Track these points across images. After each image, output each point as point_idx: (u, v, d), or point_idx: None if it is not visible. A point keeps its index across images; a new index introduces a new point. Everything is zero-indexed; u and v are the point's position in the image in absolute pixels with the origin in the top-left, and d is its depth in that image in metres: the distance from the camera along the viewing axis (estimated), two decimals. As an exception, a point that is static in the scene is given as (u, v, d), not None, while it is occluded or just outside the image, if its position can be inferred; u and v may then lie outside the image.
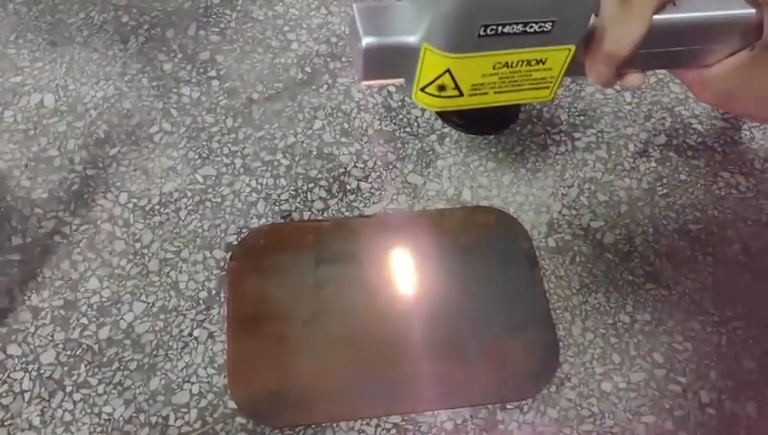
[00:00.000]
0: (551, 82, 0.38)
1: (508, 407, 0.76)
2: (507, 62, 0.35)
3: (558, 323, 0.81)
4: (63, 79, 0.95)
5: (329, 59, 1.00)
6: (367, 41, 0.34)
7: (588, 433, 0.75)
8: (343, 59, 1.00)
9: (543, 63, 0.36)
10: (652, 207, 0.90)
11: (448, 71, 0.35)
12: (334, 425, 0.74)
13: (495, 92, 0.37)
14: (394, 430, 0.74)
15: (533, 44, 0.34)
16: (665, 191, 0.92)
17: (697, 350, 0.80)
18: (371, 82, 0.37)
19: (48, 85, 0.95)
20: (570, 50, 0.35)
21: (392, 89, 0.98)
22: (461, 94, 0.36)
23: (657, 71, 1.03)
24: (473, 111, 0.39)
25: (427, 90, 0.36)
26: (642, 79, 0.39)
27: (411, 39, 0.34)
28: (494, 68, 0.35)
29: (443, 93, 0.36)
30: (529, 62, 0.35)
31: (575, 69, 0.37)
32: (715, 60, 0.38)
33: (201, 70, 0.97)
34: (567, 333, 0.81)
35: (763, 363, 0.80)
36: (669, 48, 0.38)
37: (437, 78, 0.35)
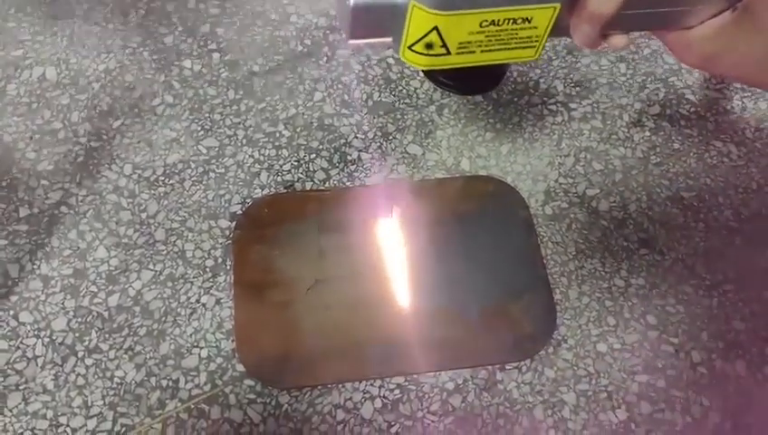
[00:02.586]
0: (536, 42, 0.38)
1: (507, 368, 0.79)
2: (494, 20, 0.36)
3: (555, 288, 0.83)
4: (65, 52, 0.96)
5: (328, 31, 1.01)
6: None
7: (584, 392, 0.78)
8: (342, 32, 1.01)
9: (530, 22, 0.36)
10: (646, 175, 0.93)
11: (436, 28, 0.35)
12: (340, 386, 0.77)
13: (482, 51, 0.38)
14: (397, 390, 0.77)
15: (520, 2, 0.35)
16: (658, 160, 0.94)
17: (689, 312, 0.83)
18: (359, 42, 0.37)
19: (50, 58, 0.95)
20: (555, 8, 0.36)
21: (391, 61, 0.99)
22: (448, 52, 0.37)
23: (651, 42, 1.05)
24: (460, 71, 0.40)
25: (414, 48, 0.37)
26: (626, 41, 0.39)
27: None
28: (480, 26, 0.36)
29: (430, 51, 0.37)
30: (515, 21, 0.36)
31: (561, 30, 0.38)
32: (698, 21, 0.39)
33: (202, 43, 0.98)
34: (564, 296, 0.83)
35: (752, 324, 0.82)
36: (653, 9, 0.38)
37: (425, 36, 0.36)
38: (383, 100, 0.96)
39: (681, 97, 1.00)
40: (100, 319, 0.79)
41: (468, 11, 0.35)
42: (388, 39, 0.38)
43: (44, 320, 0.78)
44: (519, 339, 0.81)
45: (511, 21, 0.36)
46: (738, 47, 0.37)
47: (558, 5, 0.36)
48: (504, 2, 0.35)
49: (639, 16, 0.38)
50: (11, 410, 0.73)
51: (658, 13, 0.38)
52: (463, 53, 0.37)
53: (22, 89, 0.93)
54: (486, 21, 0.36)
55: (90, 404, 0.74)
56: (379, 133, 0.93)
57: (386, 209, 0.87)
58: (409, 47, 0.37)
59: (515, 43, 0.38)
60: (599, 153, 0.94)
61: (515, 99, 0.97)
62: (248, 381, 0.76)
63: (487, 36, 0.37)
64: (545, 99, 0.98)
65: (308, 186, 0.88)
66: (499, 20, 0.36)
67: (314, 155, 0.91)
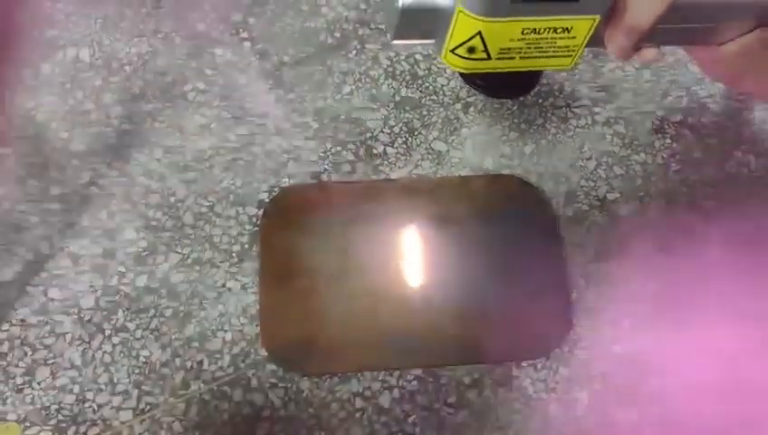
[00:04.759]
0: (573, 51, 0.40)
1: (523, 365, 0.81)
2: (535, 29, 0.37)
3: (573, 289, 0.85)
4: (98, 34, 0.97)
5: (358, 25, 1.02)
6: (404, 1, 0.35)
7: (597, 392, 0.80)
8: (372, 25, 1.02)
9: (569, 32, 0.38)
10: (666, 181, 0.94)
11: (479, 33, 0.37)
12: (359, 374, 0.78)
13: (521, 57, 0.39)
14: (415, 382, 0.79)
15: (562, 13, 0.37)
16: (679, 167, 0.95)
17: (705, 319, 0.84)
18: (402, 42, 0.39)
19: (83, 40, 0.97)
20: (594, 20, 0.37)
21: (419, 57, 1.00)
22: (489, 57, 0.38)
23: (677, 50, 1.06)
24: (496, 75, 0.41)
25: (456, 51, 0.38)
26: (657, 54, 0.41)
27: (446, 1, 0.36)
28: (522, 33, 0.37)
29: (472, 55, 0.38)
30: (555, 30, 0.38)
31: (595, 40, 0.39)
32: (728, 38, 0.40)
33: (233, 31, 0.99)
34: (581, 297, 0.85)
35: None
36: (687, 24, 0.40)
37: (468, 40, 0.37)
38: (410, 95, 0.97)
39: (703, 106, 1.01)
40: (128, 299, 0.80)
41: (512, 18, 0.36)
42: (431, 41, 0.39)
43: (73, 297, 0.80)
44: (536, 337, 0.82)
45: (551, 30, 0.38)
46: (764, 65, 0.38)
47: (598, 17, 0.37)
48: (546, 12, 0.36)
49: (673, 31, 0.40)
50: (39, 384, 0.75)
51: (691, 28, 0.40)
52: (502, 58, 0.39)
53: (56, 69, 0.94)
54: (528, 29, 0.37)
55: (115, 381, 0.76)
56: (405, 128, 0.94)
57: (410, 204, 0.89)
58: (452, 50, 0.38)
59: (553, 51, 0.39)
60: (620, 158, 0.95)
61: (540, 100, 0.99)
62: (270, 366, 0.78)
63: (527, 44, 0.38)
64: (570, 102, 0.99)
65: (334, 177, 0.90)
66: (540, 29, 0.37)
67: (341, 147, 0.92)
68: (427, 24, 0.37)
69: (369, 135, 0.93)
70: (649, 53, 0.41)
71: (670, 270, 0.87)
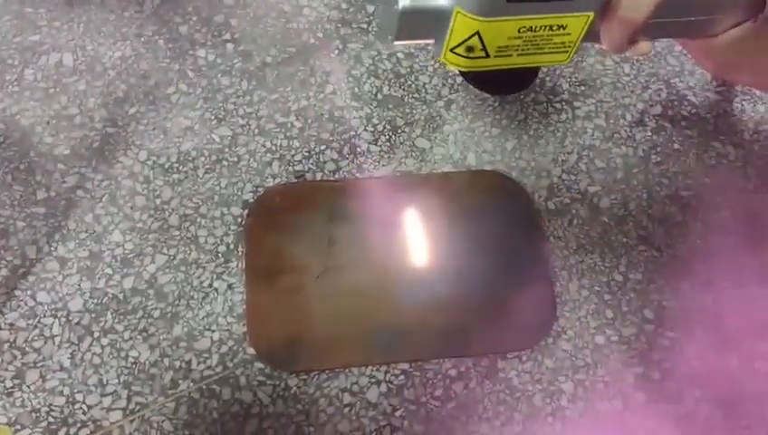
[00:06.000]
0: (569, 47, 0.41)
1: (508, 356, 0.82)
2: (531, 27, 0.38)
3: (556, 281, 0.86)
4: (81, 39, 0.98)
5: (340, 25, 1.03)
6: (404, 3, 0.37)
7: (581, 381, 0.81)
8: (354, 25, 1.03)
9: (564, 29, 0.39)
10: (646, 173, 0.95)
11: (477, 33, 0.38)
12: (347, 370, 0.79)
13: (519, 55, 0.40)
14: (402, 376, 0.80)
15: (556, 11, 0.38)
16: (659, 159, 0.97)
17: (685, 307, 0.86)
18: (402, 42, 0.40)
19: (66, 45, 0.97)
20: (588, 17, 0.38)
21: (401, 56, 1.01)
22: (487, 56, 0.40)
23: (656, 44, 1.07)
24: (495, 72, 0.43)
25: (456, 50, 0.39)
26: (650, 47, 0.42)
27: (444, 2, 0.37)
28: (519, 32, 0.38)
29: (471, 54, 0.39)
30: (551, 28, 0.39)
31: (590, 35, 0.41)
32: (720, 30, 0.41)
33: (216, 33, 1.00)
34: (564, 289, 0.86)
35: (745, 321, 0.85)
36: (679, 18, 0.41)
37: (467, 40, 0.38)
38: (393, 94, 0.98)
39: (683, 98, 1.02)
40: (116, 301, 0.81)
41: (508, 18, 0.38)
42: (430, 41, 0.40)
43: (61, 300, 0.80)
44: (520, 329, 0.83)
45: (547, 28, 0.39)
46: (757, 57, 0.40)
47: (591, 14, 0.39)
48: (542, 10, 0.38)
49: (666, 24, 0.41)
50: (29, 387, 0.76)
51: (684, 21, 0.41)
52: (500, 56, 0.40)
53: (39, 74, 0.94)
54: (524, 27, 0.39)
55: (105, 383, 0.77)
56: (389, 126, 0.95)
57: (394, 201, 0.90)
58: (451, 50, 0.40)
59: (549, 48, 0.41)
60: (601, 151, 0.96)
61: (521, 96, 1.00)
62: (258, 364, 0.79)
63: (524, 41, 0.40)
64: (550, 97, 1.00)
65: (318, 176, 0.91)
66: (536, 27, 0.39)
67: (325, 146, 0.93)
68: (425, 24, 0.38)
69: (352, 133, 0.94)
70: (643, 45, 0.42)
71: (652, 261, 0.89)
